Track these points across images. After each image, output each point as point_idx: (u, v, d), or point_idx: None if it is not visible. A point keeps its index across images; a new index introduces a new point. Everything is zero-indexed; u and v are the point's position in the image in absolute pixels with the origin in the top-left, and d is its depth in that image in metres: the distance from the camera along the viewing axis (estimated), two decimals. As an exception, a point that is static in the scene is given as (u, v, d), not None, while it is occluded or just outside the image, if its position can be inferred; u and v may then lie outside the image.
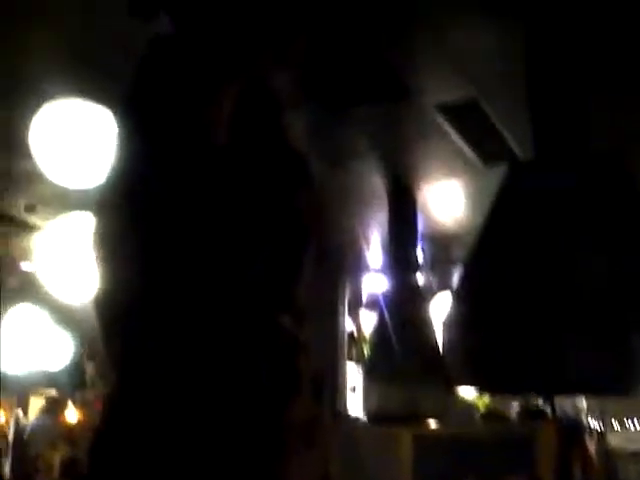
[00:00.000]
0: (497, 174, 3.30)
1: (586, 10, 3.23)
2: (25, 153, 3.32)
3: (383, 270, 5.77)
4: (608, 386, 2.78)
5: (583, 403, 6.50)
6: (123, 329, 1.10)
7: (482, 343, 2.90)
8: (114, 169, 1.15)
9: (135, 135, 1.12)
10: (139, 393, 1.08)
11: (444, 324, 3.38)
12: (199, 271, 1.05)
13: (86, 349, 6.06)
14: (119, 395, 1.11)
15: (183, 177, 1.06)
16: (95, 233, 1.15)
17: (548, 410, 5.39)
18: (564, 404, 6.00)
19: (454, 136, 4.44)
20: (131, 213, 1.09)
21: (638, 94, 3.73)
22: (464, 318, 3.08)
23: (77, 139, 3.20)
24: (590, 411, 6.65)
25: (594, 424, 6.53)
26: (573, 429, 5.80)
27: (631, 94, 3.83)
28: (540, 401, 5.54)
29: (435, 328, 4.97)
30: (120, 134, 1.16)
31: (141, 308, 1.07)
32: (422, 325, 5.01)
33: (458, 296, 3.26)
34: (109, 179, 1.15)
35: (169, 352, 1.06)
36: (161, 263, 1.06)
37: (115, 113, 1.20)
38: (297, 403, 1.11)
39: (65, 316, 5.32)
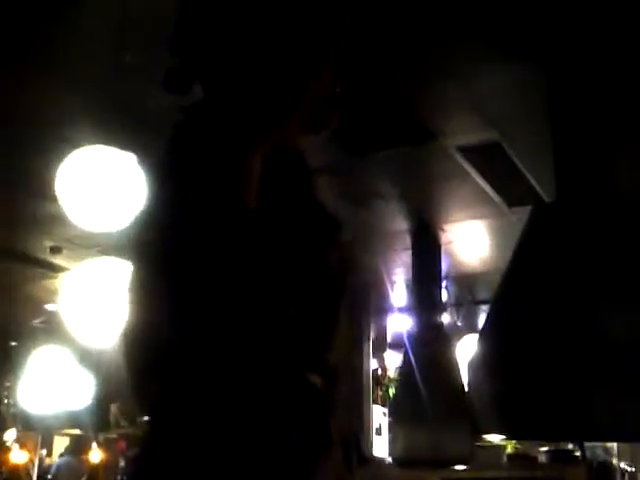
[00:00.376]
0: (521, 215, 3.28)
1: (608, 52, 3.23)
2: (51, 196, 3.36)
3: (408, 310, 5.74)
4: (637, 434, 2.73)
5: (614, 445, 6.37)
6: (155, 376, 1.10)
7: (509, 388, 2.85)
8: (148, 225, 1.16)
9: (168, 197, 1.13)
10: (173, 440, 1.08)
11: (469, 366, 3.34)
12: (231, 328, 1.05)
13: (110, 390, 6.07)
14: (153, 440, 1.12)
15: (214, 239, 1.06)
16: (131, 280, 1.16)
17: (578, 452, 5.28)
18: (594, 445, 5.89)
19: (477, 178, 4.44)
20: (166, 269, 1.09)
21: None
22: (490, 361, 3.04)
23: (102, 184, 3.25)
24: (621, 453, 6.51)
25: (625, 466, 6.38)
26: (604, 472, 5.68)
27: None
28: (570, 444, 5.44)
29: (461, 370, 4.92)
30: (154, 194, 1.18)
31: (174, 357, 1.07)
32: (448, 367, 4.96)
33: (484, 338, 3.22)
34: (143, 233, 1.16)
35: (201, 405, 1.07)
36: (195, 318, 1.06)
37: (148, 173, 1.22)
38: (327, 464, 1.10)
39: (89, 357, 5.34)
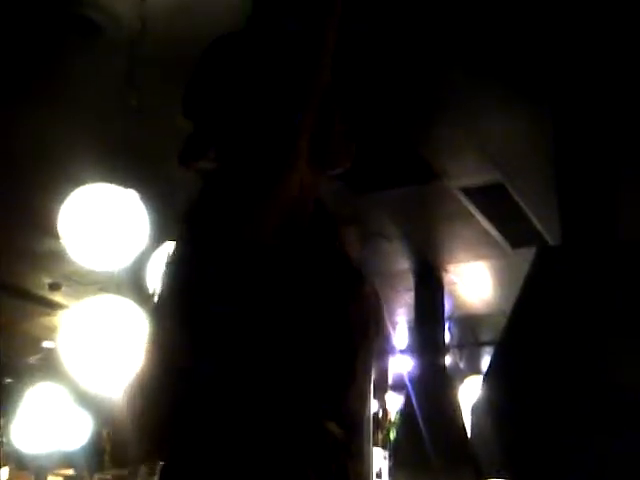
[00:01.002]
0: (525, 256, 3.27)
1: (615, 98, 3.24)
2: (50, 232, 3.34)
3: (410, 351, 5.69)
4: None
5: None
6: (173, 426, 1.11)
7: (515, 434, 2.81)
8: (171, 281, 1.19)
9: (190, 255, 1.16)
10: None
11: (473, 411, 3.30)
12: (250, 375, 1.07)
13: (106, 430, 5.98)
14: None
15: (236, 293, 1.09)
16: (150, 332, 1.19)
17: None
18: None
19: (481, 218, 4.43)
20: (185, 314, 1.12)
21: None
22: (496, 407, 3.00)
23: (104, 222, 3.22)
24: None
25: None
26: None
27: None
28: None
29: (464, 413, 4.85)
30: (176, 251, 1.20)
31: (193, 408, 1.08)
32: (450, 409, 4.89)
33: (488, 382, 3.17)
34: (164, 280, 1.19)
35: (219, 453, 1.07)
36: (215, 370, 1.08)
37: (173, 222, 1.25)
38: None
39: (85, 397, 5.27)
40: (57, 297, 5.33)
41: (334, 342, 1.14)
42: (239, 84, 1.22)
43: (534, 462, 2.72)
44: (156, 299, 1.19)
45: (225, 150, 1.22)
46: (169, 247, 1.24)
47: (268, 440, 1.07)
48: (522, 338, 3.00)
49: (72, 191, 3.20)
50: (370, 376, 1.23)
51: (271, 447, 1.07)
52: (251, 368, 1.06)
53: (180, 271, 1.17)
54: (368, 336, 1.21)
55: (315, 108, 1.18)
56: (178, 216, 1.21)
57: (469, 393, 5.41)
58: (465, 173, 3.96)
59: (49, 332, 5.31)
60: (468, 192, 4.12)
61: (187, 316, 1.11)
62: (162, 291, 1.18)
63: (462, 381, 5.93)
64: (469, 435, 3.98)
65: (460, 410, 4.92)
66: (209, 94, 1.25)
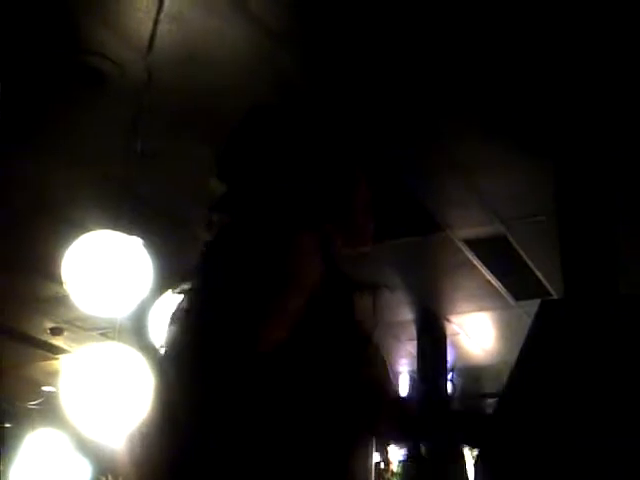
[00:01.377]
0: (528, 308, 3.26)
1: (617, 151, 3.27)
2: (53, 277, 3.35)
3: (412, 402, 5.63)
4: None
5: None
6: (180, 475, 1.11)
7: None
8: (184, 330, 1.20)
9: (201, 299, 1.18)
10: None
11: (476, 466, 3.24)
12: (258, 441, 1.07)
13: (105, 478, 5.91)
14: None
15: (251, 353, 1.09)
16: (154, 382, 1.24)
17: None
18: None
19: (483, 270, 4.43)
20: (194, 368, 1.13)
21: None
22: (501, 462, 2.95)
23: (108, 268, 3.23)
24: None
25: None
26: None
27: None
28: None
29: (467, 462, 4.79)
30: (191, 302, 1.22)
31: (201, 460, 1.09)
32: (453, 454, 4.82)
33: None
34: (172, 332, 1.21)
35: None
36: (216, 421, 1.08)
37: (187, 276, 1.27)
38: None
39: (84, 443, 5.22)
40: (59, 342, 5.31)
41: (343, 407, 1.16)
42: (275, 155, 1.31)
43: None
44: (163, 351, 1.20)
45: (246, 208, 1.27)
46: (176, 298, 1.25)
47: None
48: (524, 394, 2.97)
49: (76, 237, 3.22)
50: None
51: None
52: (256, 427, 1.06)
53: (189, 325, 1.17)
54: (374, 404, 1.24)
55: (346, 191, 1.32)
56: (189, 268, 1.23)
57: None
58: (467, 225, 3.97)
59: (50, 377, 5.29)
60: (471, 244, 4.13)
61: (195, 370, 1.11)
62: (169, 343, 1.19)
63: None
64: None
65: (464, 460, 4.86)
66: (245, 161, 1.32)
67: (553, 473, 2.62)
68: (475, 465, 3.10)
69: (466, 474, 4.92)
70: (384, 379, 1.27)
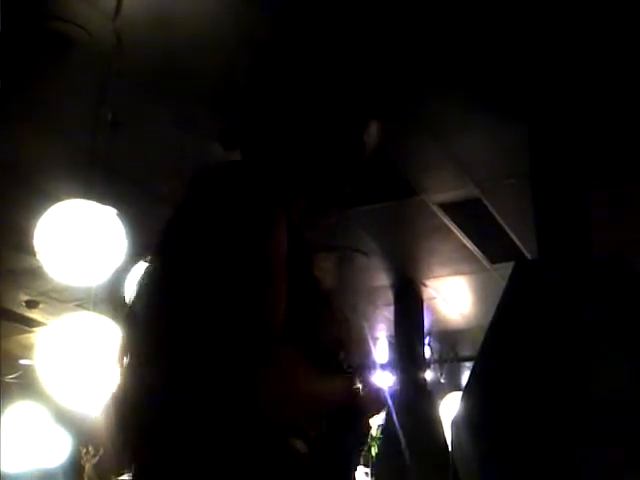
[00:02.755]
0: (504, 271, 3.28)
1: (591, 114, 3.28)
2: (27, 249, 3.32)
3: (390, 367, 5.68)
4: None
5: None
6: (148, 437, 1.11)
7: (494, 448, 2.80)
8: (147, 291, 1.20)
9: (182, 251, 1.16)
10: None
11: (453, 425, 3.29)
12: (222, 392, 1.06)
13: (86, 448, 5.91)
14: None
15: (208, 307, 1.08)
16: (124, 342, 1.20)
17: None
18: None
19: (459, 234, 4.45)
20: (163, 334, 1.12)
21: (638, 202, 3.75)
22: (474, 420, 2.99)
23: (81, 238, 3.20)
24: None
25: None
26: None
27: (631, 201, 3.85)
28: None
29: (445, 428, 4.85)
30: (157, 260, 1.21)
31: (167, 419, 1.09)
32: (431, 425, 4.88)
33: (467, 396, 3.17)
34: (140, 297, 1.20)
35: (191, 464, 1.07)
36: (189, 382, 1.07)
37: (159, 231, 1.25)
38: None
39: (64, 415, 5.21)
40: (35, 315, 5.28)
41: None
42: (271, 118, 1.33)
43: (511, 474, 2.72)
44: (129, 313, 1.20)
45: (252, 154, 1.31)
46: (143, 265, 1.25)
47: (237, 453, 1.07)
48: (500, 351, 3.01)
49: (48, 207, 3.19)
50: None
51: (237, 456, 1.07)
52: (221, 385, 1.05)
53: (154, 287, 1.17)
54: (338, 359, 1.22)
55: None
56: (159, 235, 1.22)
57: (450, 409, 5.40)
58: (442, 189, 3.97)
59: (27, 350, 5.26)
60: (446, 208, 4.14)
61: (164, 328, 1.11)
62: (135, 305, 1.19)
63: (443, 397, 5.93)
64: (449, 450, 3.98)
65: (441, 425, 4.92)
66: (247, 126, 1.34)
67: (527, 424, 2.67)
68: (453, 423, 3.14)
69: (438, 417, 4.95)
70: (345, 340, 1.26)
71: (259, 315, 1.06)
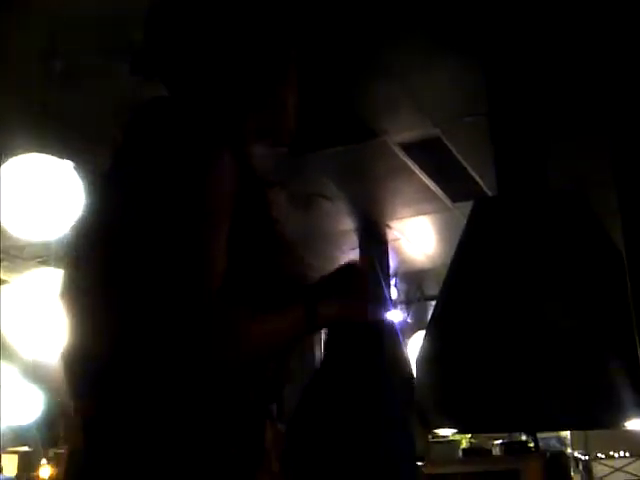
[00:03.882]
0: (465, 210, 3.31)
1: (545, 49, 3.27)
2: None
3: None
4: (589, 421, 2.76)
5: (567, 435, 6.46)
6: (92, 386, 1.08)
7: (455, 381, 2.86)
8: (91, 222, 1.16)
9: (119, 188, 1.12)
10: (110, 454, 1.05)
11: (417, 362, 3.35)
12: (170, 341, 1.02)
13: (60, 404, 5.93)
14: (90, 454, 1.08)
15: (161, 250, 1.04)
16: (65, 286, 1.16)
17: (532, 443, 5.33)
18: (548, 436, 5.95)
19: (420, 174, 4.46)
20: (107, 267, 1.08)
21: (595, 137, 3.78)
22: (436, 356, 3.05)
23: (38, 192, 3.16)
24: (574, 442, 6.60)
25: (579, 455, 6.47)
26: (558, 461, 5.74)
27: (588, 137, 3.88)
28: (523, 435, 5.48)
29: (412, 366, 4.93)
30: (97, 200, 1.18)
31: (113, 370, 1.06)
32: (398, 364, 4.96)
33: (429, 333, 3.22)
34: (84, 233, 1.16)
35: (139, 417, 1.05)
36: (134, 331, 1.04)
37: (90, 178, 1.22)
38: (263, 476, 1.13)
39: (34, 371, 5.21)
40: (-3, 272, 5.22)
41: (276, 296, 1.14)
42: (200, 43, 1.21)
43: (474, 407, 2.78)
44: (74, 253, 1.18)
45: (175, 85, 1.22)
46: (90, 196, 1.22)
47: (190, 395, 1.05)
48: (460, 288, 3.05)
49: (3, 163, 3.13)
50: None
51: (187, 408, 1.05)
52: (163, 333, 1.01)
53: (105, 223, 1.12)
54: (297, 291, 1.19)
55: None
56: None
57: (417, 348, 5.49)
58: (402, 129, 3.97)
59: (-8, 309, 5.20)
60: (406, 148, 4.14)
61: (106, 273, 1.08)
62: (80, 246, 1.16)
63: (410, 336, 6.02)
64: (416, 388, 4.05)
65: (408, 364, 5.00)
66: (164, 51, 1.23)
67: (487, 357, 2.73)
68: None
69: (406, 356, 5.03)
70: (301, 276, 1.24)
71: (197, 260, 1.02)
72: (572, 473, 5.16)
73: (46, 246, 3.37)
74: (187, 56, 1.22)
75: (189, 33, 1.22)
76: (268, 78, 1.25)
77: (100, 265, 1.10)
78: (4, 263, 4.88)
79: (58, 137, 3.12)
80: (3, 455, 7.39)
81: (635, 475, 6.49)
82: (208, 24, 1.21)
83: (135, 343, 1.03)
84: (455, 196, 4.73)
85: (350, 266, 1.32)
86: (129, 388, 1.05)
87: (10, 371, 5.19)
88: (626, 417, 2.64)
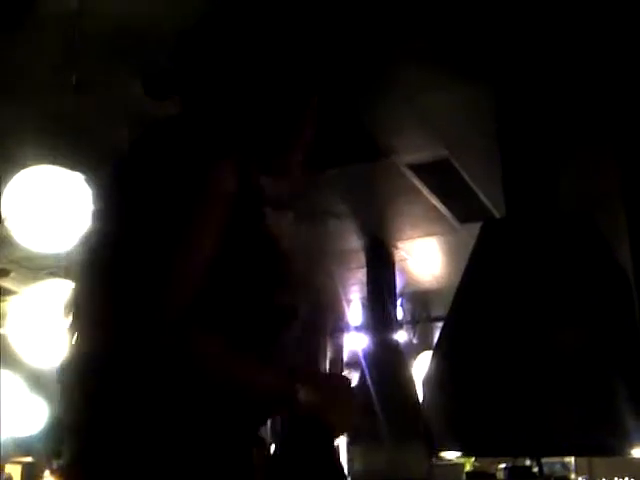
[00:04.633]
0: (473, 231, 3.31)
1: (556, 73, 3.29)
2: (-3, 218, 3.29)
3: (363, 328, 5.73)
4: (594, 447, 2.73)
5: (571, 460, 6.41)
6: (92, 397, 1.08)
7: (462, 405, 2.84)
8: (100, 237, 1.16)
9: (129, 207, 1.11)
10: (107, 467, 1.05)
11: (424, 384, 3.33)
12: (170, 357, 1.02)
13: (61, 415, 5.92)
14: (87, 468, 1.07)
15: (164, 262, 1.04)
16: (73, 297, 1.16)
17: (536, 468, 5.29)
18: (552, 461, 5.91)
19: (428, 195, 4.47)
20: (99, 278, 1.09)
21: (603, 158, 3.78)
22: (443, 378, 3.04)
23: (49, 204, 3.19)
24: (578, 468, 6.55)
25: (582, 480, 6.42)
26: (561, 487, 5.68)
27: (597, 159, 3.89)
28: (527, 460, 5.45)
29: (417, 388, 4.91)
30: (104, 212, 1.18)
31: (112, 384, 1.05)
32: (404, 385, 4.95)
33: (437, 355, 3.21)
34: (93, 247, 1.16)
35: (136, 431, 1.04)
36: (135, 344, 1.02)
37: (102, 182, 1.23)
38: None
39: (40, 382, 5.21)
40: (6, 283, 5.25)
41: (259, 327, 1.14)
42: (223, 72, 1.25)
43: (481, 431, 2.76)
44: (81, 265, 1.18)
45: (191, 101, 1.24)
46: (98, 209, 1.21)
47: (187, 403, 1.05)
48: (469, 310, 3.04)
49: (15, 174, 3.16)
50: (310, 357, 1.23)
51: (191, 409, 1.05)
52: (172, 347, 1.01)
53: (109, 236, 1.12)
54: (293, 323, 1.19)
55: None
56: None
57: (422, 368, 5.47)
58: (411, 150, 3.98)
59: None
60: (415, 168, 4.15)
61: (109, 287, 1.07)
62: (87, 257, 1.16)
63: (415, 357, 6.00)
64: (422, 410, 4.03)
65: (414, 385, 4.98)
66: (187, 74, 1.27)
67: (496, 382, 2.71)
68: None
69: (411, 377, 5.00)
70: (298, 303, 1.23)
71: (167, 275, 1.02)
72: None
73: (56, 258, 3.38)
74: (212, 84, 1.25)
75: (219, 63, 1.25)
76: (284, 123, 1.29)
77: (94, 277, 1.11)
78: (14, 274, 4.92)
79: (70, 149, 3.14)
80: (7, 466, 7.38)
81: (639, 501, 6.43)
82: (237, 59, 1.26)
83: (119, 358, 1.03)
84: (463, 217, 4.74)
85: (342, 378, 1.31)
86: (115, 403, 1.05)
87: (15, 381, 5.19)
88: (632, 444, 2.62)
